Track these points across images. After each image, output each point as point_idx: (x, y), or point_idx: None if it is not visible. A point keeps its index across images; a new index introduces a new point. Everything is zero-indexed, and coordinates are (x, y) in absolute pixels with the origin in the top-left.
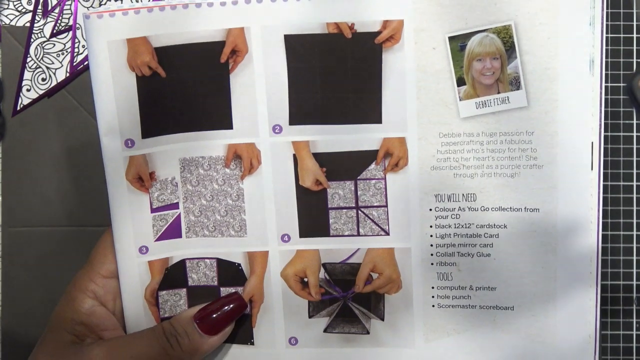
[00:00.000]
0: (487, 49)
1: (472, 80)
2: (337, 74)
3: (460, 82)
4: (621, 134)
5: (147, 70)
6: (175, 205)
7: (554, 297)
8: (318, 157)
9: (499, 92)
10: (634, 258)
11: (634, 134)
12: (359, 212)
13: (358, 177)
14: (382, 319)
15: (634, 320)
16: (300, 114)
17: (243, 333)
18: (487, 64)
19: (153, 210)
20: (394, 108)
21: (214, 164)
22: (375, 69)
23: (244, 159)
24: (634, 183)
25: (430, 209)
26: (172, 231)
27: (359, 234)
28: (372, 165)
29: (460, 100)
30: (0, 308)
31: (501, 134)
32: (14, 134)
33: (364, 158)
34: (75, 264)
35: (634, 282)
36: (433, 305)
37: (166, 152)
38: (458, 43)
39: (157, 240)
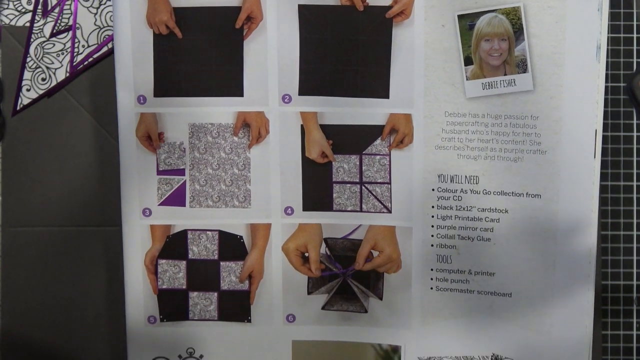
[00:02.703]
0: (495, 30)
1: (480, 61)
2: (347, 47)
3: (468, 61)
4: (621, 134)
5: (164, 29)
6: (181, 172)
7: (552, 285)
8: (325, 129)
9: (505, 74)
10: (634, 258)
11: (634, 134)
12: (363, 187)
13: (363, 152)
14: (381, 298)
15: (634, 320)
16: (309, 84)
17: (240, 311)
18: (495, 44)
19: (159, 173)
20: (401, 84)
21: (222, 132)
22: (385, 43)
23: (252, 128)
24: (634, 183)
25: (433, 189)
26: (176, 198)
27: (361, 210)
28: (378, 141)
29: (467, 79)
30: (0, 308)
31: (506, 116)
32: (14, 134)
33: (370, 133)
34: (75, 264)
35: (634, 282)
36: (431, 288)
37: (176, 114)
38: (467, 22)
39: (161, 204)
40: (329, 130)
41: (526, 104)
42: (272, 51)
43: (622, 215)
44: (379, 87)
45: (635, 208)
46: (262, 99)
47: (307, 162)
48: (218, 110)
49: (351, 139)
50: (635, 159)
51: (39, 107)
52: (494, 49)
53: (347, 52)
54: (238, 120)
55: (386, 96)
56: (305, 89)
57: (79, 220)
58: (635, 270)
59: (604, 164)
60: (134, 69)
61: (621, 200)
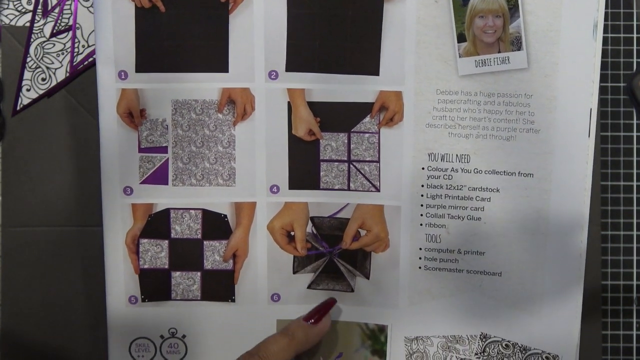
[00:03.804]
0: (490, 6)
1: (473, 38)
2: (336, 22)
3: (461, 38)
4: (621, 134)
5: (146, 2)
6: (164, 149)
7: (543, 265)
8: (313, 106)
9: (499, 52)
10: (634, 258)
11: (634, 134)
12: (351, 165)
13: (352, 130)
14: (368, 278)
15: (634, 320)
16: (297, 60)
17: (224, 290)
18: (489, 21)
19: (141, 150)
20: (392, 60)
21: (206, 109)
22: (376, 18)
23: (237, 104)
24: (634, 183)
25: (423, 168)
26: (159, 176)
27: (349, 189)
28: (367, 119)
29: (459, 57)
30: (0, 308)
31: (499, 95)
32: (14, 134)
33: (359, 110)
34: (75, 264)
35: (634, 282)
36: (420, 267)
37: (159, 90)
38: None
39: (143, 182)
40: (316, 108)
41: (520, 82)
42: (259, 26)
43: (622, 215)
44: (369, 64)
45: (635, 208)
46: (248, 75)
47: (293, 140)
48: (202, 87)
49: (340, 117)
50: (635, 159)
51: (39, 107)
52: (488, 26)
53: (336, 27)
54: (223, 97)
55: (376, 73)
56: (293, 65)
57: (79, 220)
58: (635, 270)
59: (604, 164)
60: (115, 43)
61: (621, 200)
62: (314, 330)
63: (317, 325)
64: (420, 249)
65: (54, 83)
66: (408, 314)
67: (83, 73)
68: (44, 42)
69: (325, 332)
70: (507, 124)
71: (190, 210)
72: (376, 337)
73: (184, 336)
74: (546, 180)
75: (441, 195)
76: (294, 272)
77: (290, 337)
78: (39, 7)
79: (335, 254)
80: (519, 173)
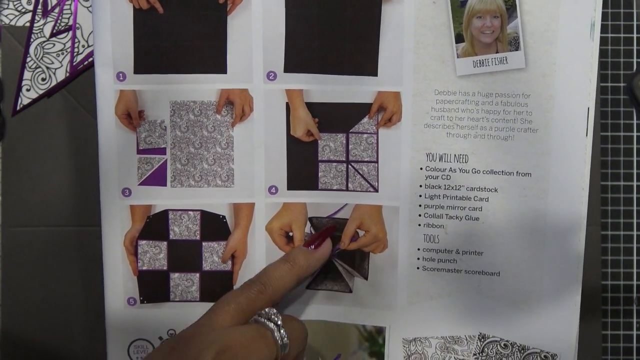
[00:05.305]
0: (487, 6)
1: (471, 38)
2: (335, 23)
3: (459, 38)
4: (621, 134)
5: (144, 3)
6: (162, 151)
7: (541, 264)
8: (311, 107)
9: (497, 52)
10: (634, 258)
11: (634, 134)
12: (349, 166)
13: (350, 130)
14: (366, 278)
15: (634, 320)
16: (295, 61)
17: (223, 291)
18: (487, 22)
19: (139, 152)
20: (390, 61)
21: (205, 110)
22: (374, 19)
23: (236, 105)
24: (634, 183)
25: (421, 168)
26: (157, 178)
27: (347, 189)
28: (365, 119)
29: (457, 57)
30: (0, 308)
31: (497, 95)
32: (14, 134)
33: (358, 111)
34: (75, 264)
35: (634, 282)
36: (418, 268)
37: (157, 91)
38: None
39: (141, 184)
40: (315, 108)
41: (518, 82)
42: (257, 27)
43: (622, 215)
44: (367, 65)
45: (635, 208)
46: (246, 76)
47: (292, 141)
48: (200, 88)
49: (338, 117)
50: (635, 159)
51: (39, 107)
52: (486, 26)
53: (334, 28)
54: (221, 98)
55: (374, 74)
56: (291, 66)
57: (79, 220)
58: (635, 270)
59: (604, 164)
60: (113, 44)
61: (621, 200)
62: (315, 255)
63: (318, 250)
64: (419, 249)
65: (54, 83)
66: (406, 315)
67: (83, 73)
68: (44, 42)
69: (326, 258)
70: (505, 123)
71: (189, 212)
72: (374, 339)
73: None
74: (544, 179)
75: (439, 196)
76: None
77: (291, 262)
78: (39, 7)
79: (333, 254)
80: (517, 173)
